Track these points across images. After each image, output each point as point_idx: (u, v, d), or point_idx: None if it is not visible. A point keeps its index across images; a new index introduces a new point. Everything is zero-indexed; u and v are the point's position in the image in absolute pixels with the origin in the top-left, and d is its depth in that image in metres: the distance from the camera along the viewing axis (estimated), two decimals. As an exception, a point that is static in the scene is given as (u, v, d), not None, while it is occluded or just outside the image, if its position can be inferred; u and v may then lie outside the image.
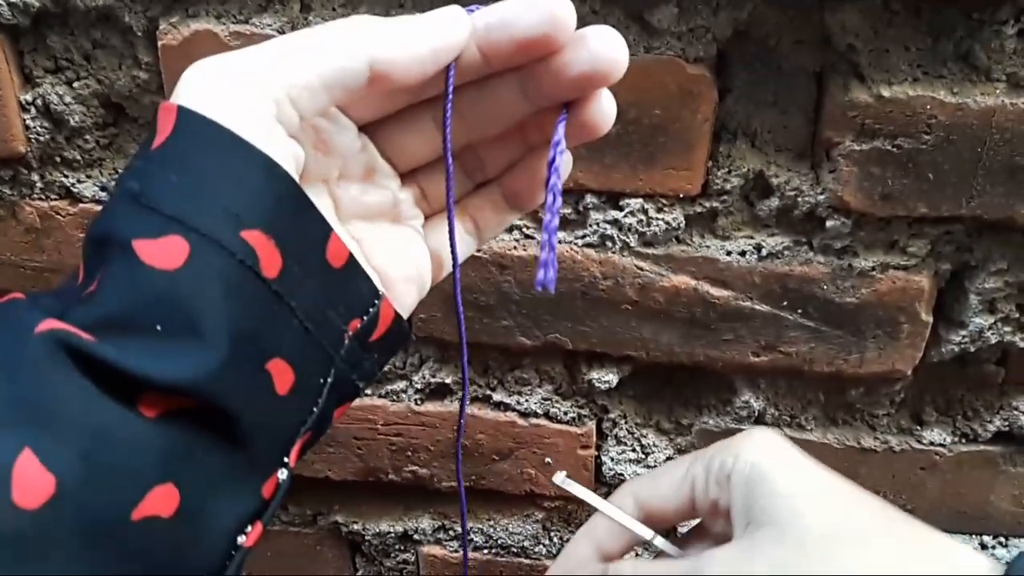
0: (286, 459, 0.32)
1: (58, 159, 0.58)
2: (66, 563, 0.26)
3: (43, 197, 0.59)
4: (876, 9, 0.48)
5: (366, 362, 0.35)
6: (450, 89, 0.33)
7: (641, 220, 0.55)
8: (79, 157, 0.58)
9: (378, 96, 0.34)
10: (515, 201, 0.38)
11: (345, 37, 0.30)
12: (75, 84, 0.55)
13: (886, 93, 0.49)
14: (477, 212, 0.39)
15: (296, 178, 0.31)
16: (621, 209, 0.55)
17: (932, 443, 0.62)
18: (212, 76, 0.30)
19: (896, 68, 0.49)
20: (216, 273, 0.28)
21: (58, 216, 0.59)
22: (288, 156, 0.30)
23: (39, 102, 0.56)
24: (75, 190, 0.59)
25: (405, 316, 0.37)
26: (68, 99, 0.55)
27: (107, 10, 0.52)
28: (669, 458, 0.64)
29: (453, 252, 0.37)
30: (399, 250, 0.37)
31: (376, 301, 0.35)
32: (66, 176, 0.58)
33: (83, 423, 0.27)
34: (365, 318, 0.34)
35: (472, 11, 0.33)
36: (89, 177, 0.59)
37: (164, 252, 0.28)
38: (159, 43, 0.52)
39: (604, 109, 0.34)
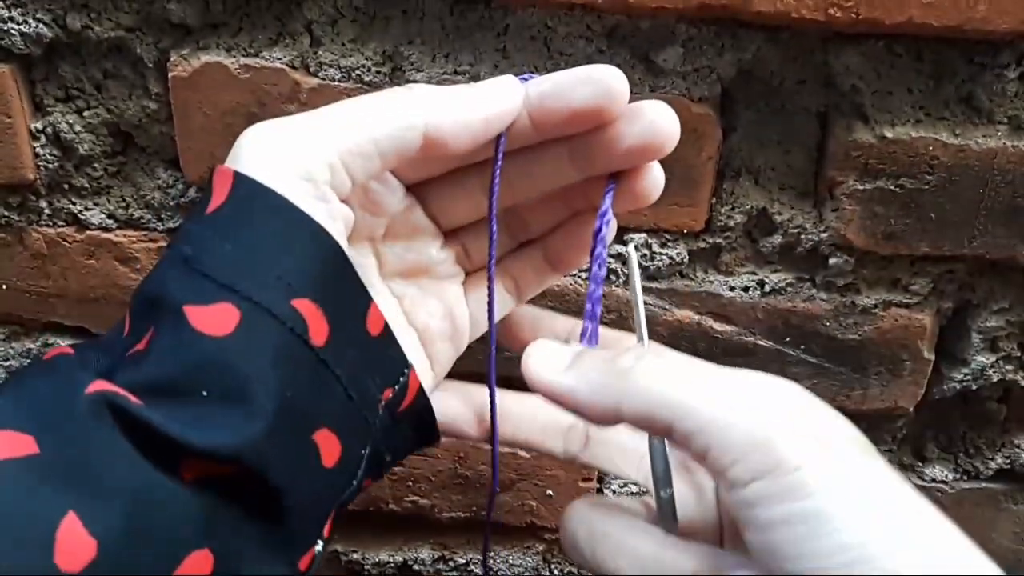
0: (322, 531, 0.32)
1: (66, 186, 0.58)
2: None
3: (50, 224, 0.59)
4: (879, 52, 0.48)
5: (395, 436, 0.35)
6: (499, 157, 0.33)
7: (645, 255, 0.55)
8: (87, 185, 0.58)
9: (429, 160, 0.34)
10: (556, 263, 0.39)
11: (400, 105, 0.31)
12: (85, 113, 0.56)
13: (889, 134, 0.49)
14: (518, 272, 0.39)
15: (345, 244, 0.31)
16: (625, 243, 0.55)
17: (934, 480, 0.62)
18: (269, 141, 0.30)
19: (899, 109, 0.49)
20: (266, 341, 0.28)
21: (65, 243, 0.60)
22: (339, 221, 0.31)
23: (49, 130, 0.56)
24: (82, 217, 0.59)
25: (442, 375, 0.37)
26: (78, 128, 0.56)
27: (119, 41, 0.53)
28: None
29: (490, 315, 0.37)
30: (439, 308, 0.37)
31: (405, 370, 0.34)
32: (74, 203, 0.59)
33: (126, 486, 0.27)
34: (396, 387, 0.34)
35: (526, 79, 0.33)
36: (97, 205, 0.59)
37: (215, 319, 0.28)
38: (169, 74, 0.53)
39: (654, 179, 0.34)
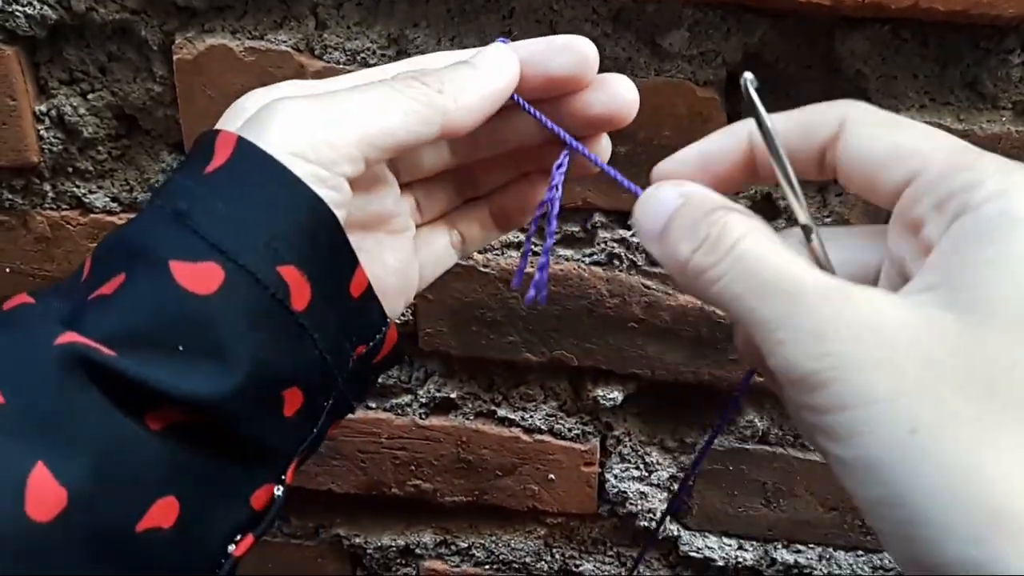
0: (283, 476, 0.32)
1: (70, 169, 0.58)
2: (75, 574, 0.26)
3: (54, 207, 0.59)
4: (884, 36, 0.48)
5: (362, 384, 0.36)
6: (530, 109, 0.35)
7: (649, 239, 0.56)
8: (91, 168, 0.58)
9: None
10: (501, 220, 0.40)
11: (422, 104, 0.31)
12: (89, 96, 0.56)
13: (894, 119, 0.50)
14: (464, 226, 0.40)
15: (343, 219, 0.31)
16: (629, 228, 0.56)
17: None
18: (299, 126, 0.30)
19: (904, 94, 0.49)
20: (247, 303, 0.29)
21: (68, 226, 0.60)
22: (343, 208, 0.31)
23: (53, 113, 0.56)
24: (86, 200, 0.59)
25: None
26: (82, 110, 0.56)
27: (124, 24, 0.53)
28: (672, 477, 0.64)
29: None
30: (393, 262, 0.37)
31: (384, 328, 0.35)
32: (77, 186, 0.59)
33: (95, 437, 0.27)
34: (371, 343, 0.35)
35: (504, 43, 0.35)
36: (100, 188, 0.59)
37: (200, 277, 0.28)
38: (174, 57, 0.53)
39: (604, 149, 0.37)
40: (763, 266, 0.25)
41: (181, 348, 0.28)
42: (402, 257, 0.38)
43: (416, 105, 0.32)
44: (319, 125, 0.30)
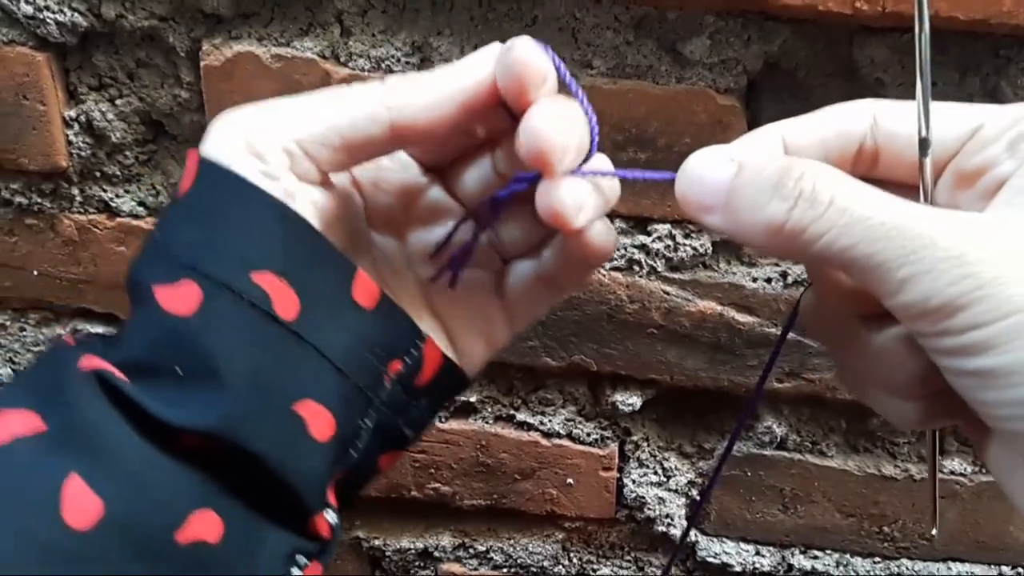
0: (325, 500, 0.32)
1: (98, 174, 0.59)
2: None
3: (82, 211, 0.60)
4: (904, 44, 0.49)
5: (413, 409, 0.34)
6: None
7: (669, 245, 0.56)
8: (118, 172, 0.59)
9: (431, 142, 0.34)
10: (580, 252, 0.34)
11: (364, 97, 0.31)
12: (118, 101, 0.57)
13: (914, 126, 0.50)
14: (549, 264, 0.36)
15: (316, 222, 0.31)
16: (649, 234, 0.56)
17: (952, 472, 0.62)
18: (234, 127, 0.31)
19: (924, 102, 0.50)
20: (229, 317, 0.29)
21: (95, 230, 0.61)
22: (306, 202, 0.31)
23: (82, 118, 0.57)
24: (113, 205, 0.60)
25: (472, 372, 0.36)
26: (110, 116, 0.57)
27: (152, 30, 0.54)
28: (691, 482, 0.65)
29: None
30: (463, 298, 0.36)
31: (419, 342, 0.33)
32: (105, 191, 0.60)
33: (123, 452, 0.28)
34: (408, 360, 0.33)
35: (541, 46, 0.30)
36: (127, 192, 0.60)
37: (180, 298, 0.29)
38: (201, 64, 0.54)
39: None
40: (873, 211, 0.25)
41: (179, 372, 0.28)
42: (477, 295, 0.36)
43: (359, 98, 0.31)
44: (247, 125, 0.30)
